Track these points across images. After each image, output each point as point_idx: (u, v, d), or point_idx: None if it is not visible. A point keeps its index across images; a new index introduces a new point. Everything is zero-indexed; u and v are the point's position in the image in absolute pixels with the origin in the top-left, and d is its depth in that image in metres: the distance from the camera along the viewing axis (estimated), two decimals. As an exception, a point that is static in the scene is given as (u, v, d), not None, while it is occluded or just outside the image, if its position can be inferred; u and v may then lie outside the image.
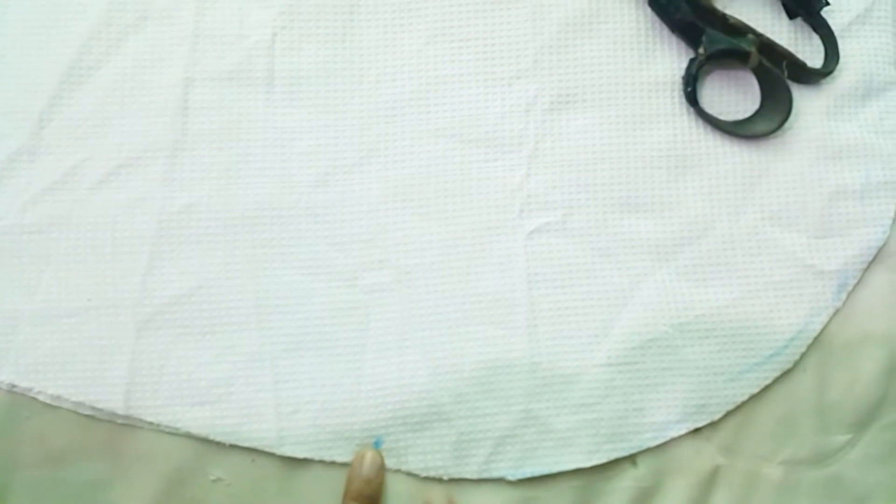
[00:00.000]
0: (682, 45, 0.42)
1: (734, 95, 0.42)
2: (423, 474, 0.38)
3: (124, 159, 0.40)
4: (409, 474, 0.38)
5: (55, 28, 0.40)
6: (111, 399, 0.38)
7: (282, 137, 0.40)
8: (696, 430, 0.39)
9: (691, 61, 0.41)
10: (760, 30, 0.41)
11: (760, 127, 0.41)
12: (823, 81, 0.42)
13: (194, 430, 0.38)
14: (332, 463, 0.38)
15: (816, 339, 0.40)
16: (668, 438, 0.39)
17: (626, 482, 0.38)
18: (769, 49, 0.41)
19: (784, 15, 0.42)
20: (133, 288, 0.39)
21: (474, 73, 0.41)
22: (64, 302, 0.38)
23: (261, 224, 0.40)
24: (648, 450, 0.39)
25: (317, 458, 0.38)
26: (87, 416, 0.38)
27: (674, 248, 0.41)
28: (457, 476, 0.38)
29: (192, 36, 0.41)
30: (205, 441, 0.38)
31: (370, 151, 0.41)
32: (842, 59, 0.42)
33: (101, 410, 0.38)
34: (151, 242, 0.39)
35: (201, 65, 0.40)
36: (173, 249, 0.39)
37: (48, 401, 0.38)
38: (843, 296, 0.40)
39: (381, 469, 0.37)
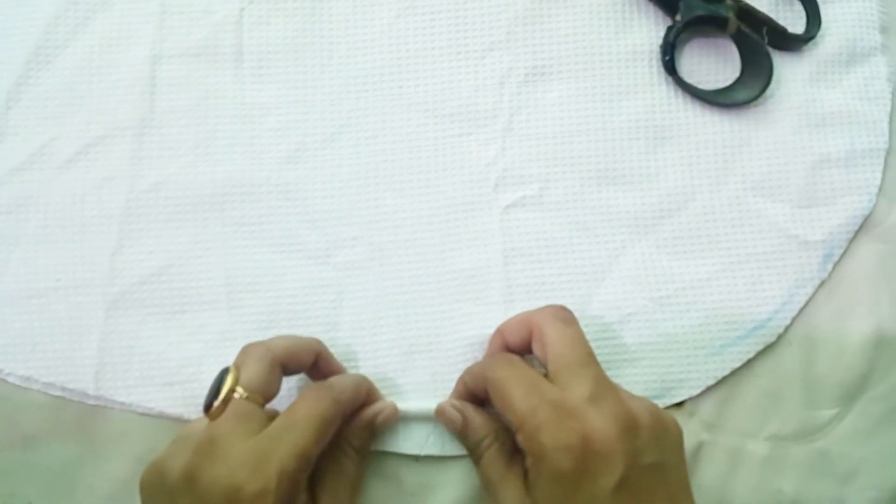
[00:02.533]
0: (659, 12, 0.41)
1: (713, 63, 0.41)
2: (398, 451, 0.37)
3: (92, 138, 0.39)
4: (384, 452, 0.37)
5: (21, 7, 0.40)
6: (81, 379, 0.37)
7: (251, 114, 0.40)
8: (679, 405, 0.38)
9: (668, 29, 0.40)
10: (739, -5, 0.40)
11: (741, 95, 0.40)
12: (805, 48, 0.41)
13: (166, 410, 0.37)
14: (307, 442, 0.38)
15: (801, 311, 0.39)
16: (647, 413, 0.38)
17: (606, 459, 0.37)
18: (748, 15, 0.40)
19: (764, -20, 0.42)
20: (102, 268, 0.38)
21: (446, 45, 0.41)
22: (33, 283, 0.38)
23: (230, 202, 0.39)
24: (628, 426, 0.38)
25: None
26: (57, 396, 0.38)
27: (653, 221, 0.40)
28: (433, 453, 0.37)
29: (159, 13, 0.40)
30: (177, 421, 0.37)
31: (341, 127, 0.40)
32: (824, 25, 0.41)
33: (71, 391, 0.37)
34: (120, 221, 0.39)
35: (169, 41, 0.40)
36: (142, 228, 0.39)
37: (18, 382, 0.38)
38: (829, 266, 0.39)
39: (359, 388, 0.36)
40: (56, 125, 0.39)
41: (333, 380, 0.34)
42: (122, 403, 0.37)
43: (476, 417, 0.35)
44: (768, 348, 0.39)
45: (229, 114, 0.40)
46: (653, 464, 0.30)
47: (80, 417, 0.37)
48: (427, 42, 0.41)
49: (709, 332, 0.39)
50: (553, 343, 0.33)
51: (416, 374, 0.38)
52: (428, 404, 0.37)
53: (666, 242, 0.40)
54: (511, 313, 0.38)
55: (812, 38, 0.41)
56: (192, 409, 0.37)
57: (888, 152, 0.40)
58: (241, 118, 0.40)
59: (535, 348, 0.34)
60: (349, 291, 0.39)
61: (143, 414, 0.38)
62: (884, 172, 0.40)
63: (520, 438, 0.31)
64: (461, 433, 0.36)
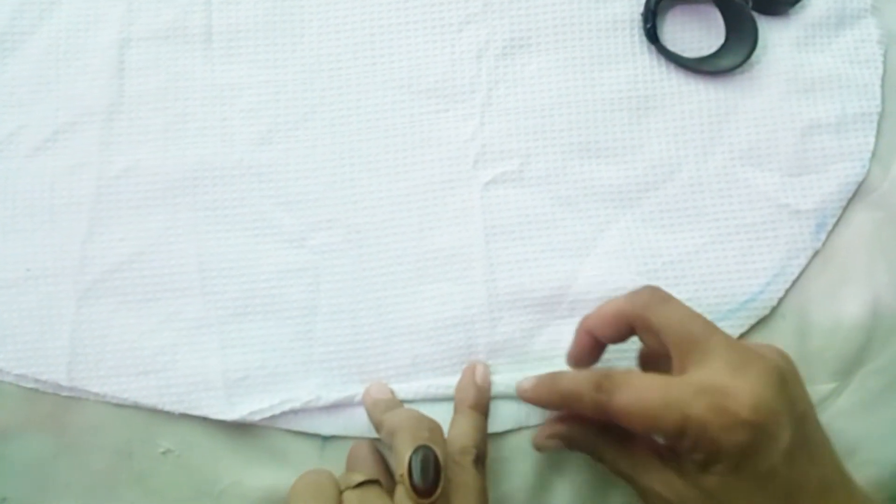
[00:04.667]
0: (639, -21, 0.40)
1: (697, 30, 0.40)
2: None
3: (61, 124, 0.38)
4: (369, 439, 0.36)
5: (-15, -6, 0.39)
6: (54, 371, 0.36)
7: (221, 95, 0.39)
8: (670, 383, 0.37)
9: (649, -4, 0.39)
10: (720, -42, 0.39)
11: (726, 62, 0.39)
12: (792, 11, 0.40)
13: (141, 400, 0.36)
14: (286, 430, 0.37)
15: (795, 282, 0.38)
16: (636, 392, 0.36)
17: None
18: (731, -22, 0.39)
19: (747, -58, 0.40)
20: (72, 256, 0.37)
21: (421, 20, 0.40)
22: (2, 273, 0.37)
23: (202, 185, 0.38)
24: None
25: (270, 425, 0.36)
26: (30, 389, 0.37)
27: (638, 194, 0.38)
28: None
29: (126, -5, 0.39)
30: (153, 411, 0.37)
31: (315, 107, 0.39)
32: (811, -13, 0.39)
33: (44, 382, 0.37)
34: (90, 209, 0.38)
35: (137, 24, 0.39)
36: (112, 215, 0.38)
37: (-11, 374, 0.37)
38: (823, 236, 0.38)
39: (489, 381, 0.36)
40: (24, 112, 0.39)
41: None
42: (97, 394, 0.37)
43: (578, 433, 0.33)
44: (761, 322, 0.37)
45: (199, 96, 0.39)
46: (805, 410, 0.30)
47: (54, 409, 0.37)
48: (401, 17, 0.40)
49: (699, 306, 0.36)
50: (667, 329, 0.31)
51: (398, 358, 0.37)
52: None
53: (652, 216, 0.38)
54: (494, 292, 0.37)
55: (798, 0, 0.39)
56: (167, 398, 0.36)
57: (881, 116, 0.39)
58: (211, 100, 0.39)
59: (647, 340, 0.32)
60: (327, 275, 0.38)
61: (118, 405, 0.37)
62: (877, 137, 0.39)
63: (685, 445, 0.29)
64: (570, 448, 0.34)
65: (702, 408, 0.28)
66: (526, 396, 0.34)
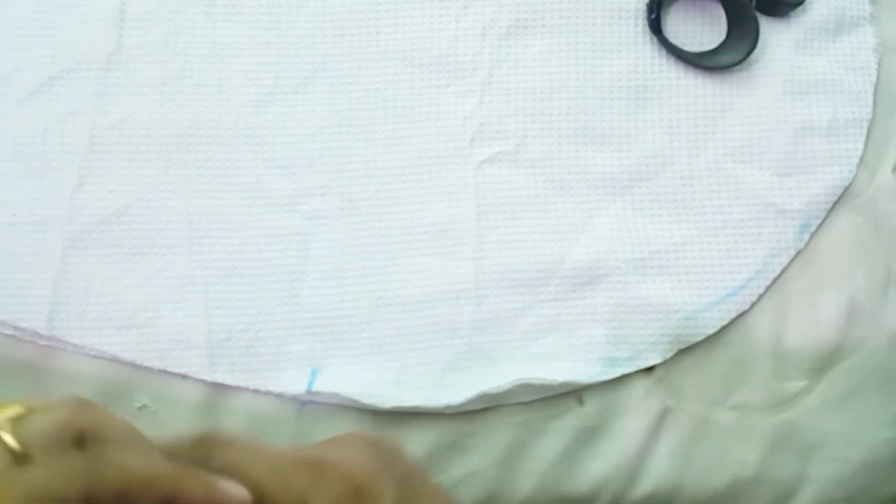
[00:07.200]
0: (646, -31, 0.40)
1: (699, 25, 0.40)
2: (363, 402, 0.36)
3: (57, 71, 0.38)
4: (345, 408, 0.36)
5: (-15, -68, 0.39)
6: (34, 319, 0.36)
7: (221, 53, 0.38)
8: (648, 370, 0.37)
9: (655, -13, 0.39)
10: (728, -45, 0.39)
11: (725, 59, 0.39)
12: (793, 13, 0.40)
13: (120, 354, 0.36)
14: (266, 392, 0.37)
15: (776, 280, 0.38)
16: (616, 375, 0.37)
17: (571, 420, 0.37)
18: (736, -24, 0.39)
19: (754, -58, 0.41)
20: (61, 204, 0.37)
21: (427, -7, 0.40)
22: (-12, 216, 0.37)
23: (196, 143, 0.38)
24: (595, 389, 0.37)
25: (249, 386, 0.36)
26: (8, 335, 0.36)
27: (630, 183, 0.39)
28: (395, 407, 0.36)
29: (130, -57, 0.39)
30: (131, 366, 0.36)
31: (315, 72, 0.39)
32: (813, -9, 0.40)
33: (23, 330, 0.36)
34: (82, 158, 0.37)
35: (139, -26, 0.39)
36: (104, 166, 0.37)
37: (-32, 319, 0.36)
38: (806, 237, 0.39)
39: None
40: (20, 56, 0.38)
41: None
42: (76, 345, 0.36)
43: None
44: (740, 317, 0.38)
45: (199, 52, 0.38)
46: (407, 470, 0.27)
47: (31, 358, 0.36)
48: (407, -12, 0.39)
49: (682, 296, 0.38)
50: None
51: (382, 328, 0.37)
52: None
53: (642, 205, 0.39)
54: (482, 270, 0.38)
55: (800, 3, 0.40)
56: (147, 354, 0.36)
57: (871, 123, 0.40)
58: (210, 58, 0.38)
59: None
60: (316, 241, 0.38)
61: (96, 357, 0.36)
62: (865, 144, 0.39)
63: None
64: None
65: (304, 476, 0.25)
66: None
